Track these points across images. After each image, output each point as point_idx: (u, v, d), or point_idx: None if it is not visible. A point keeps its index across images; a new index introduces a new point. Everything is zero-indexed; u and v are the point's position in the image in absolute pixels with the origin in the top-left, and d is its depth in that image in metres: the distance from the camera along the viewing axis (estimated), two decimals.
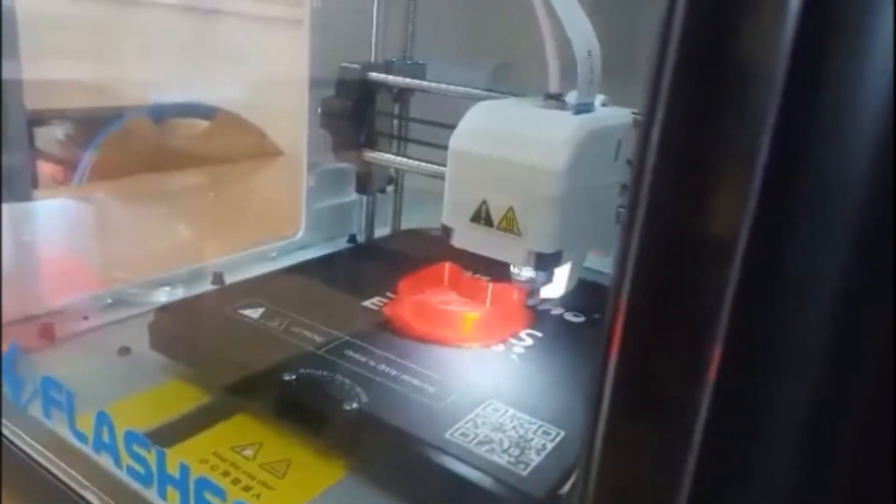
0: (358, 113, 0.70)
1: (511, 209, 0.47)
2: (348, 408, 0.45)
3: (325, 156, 0.75)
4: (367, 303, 0.60)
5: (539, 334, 0.56)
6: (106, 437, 0.45)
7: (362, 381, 0.48)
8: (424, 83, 0.69)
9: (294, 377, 0.48)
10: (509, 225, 0.47)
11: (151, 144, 1.01)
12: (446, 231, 0.50)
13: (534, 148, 0.46)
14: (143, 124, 1.02)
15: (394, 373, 0.49)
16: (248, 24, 1.07)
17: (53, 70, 0.80)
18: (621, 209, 0.53)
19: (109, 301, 0.65)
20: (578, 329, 0.59)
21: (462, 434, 0.43)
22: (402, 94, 0.73)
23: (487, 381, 0.49)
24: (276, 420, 0.49)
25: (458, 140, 0.49)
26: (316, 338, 0.53)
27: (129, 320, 0.62)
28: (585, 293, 0.60)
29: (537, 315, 0.59)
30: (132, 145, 0.97)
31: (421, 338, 0.54)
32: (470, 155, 0.48)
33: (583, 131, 0.46)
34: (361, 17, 0.75)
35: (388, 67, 0.72)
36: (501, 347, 0.54)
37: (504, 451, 0.42)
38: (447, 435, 0.43)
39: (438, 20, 0.79)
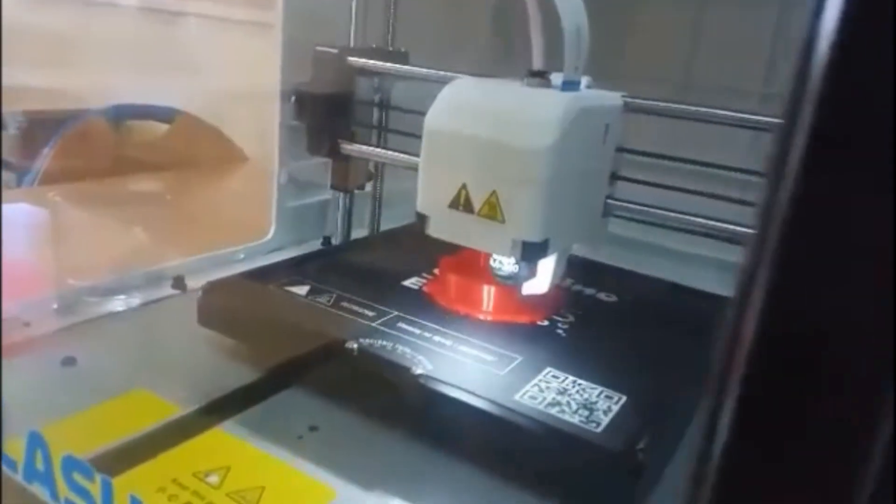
0: (335, 101, 0.67)
1: (494, 193, 0.44)
2: (417, 372, 0.45)
3: (298, 150, 0.72)
4: (406, 282, 0.60)
5: (579, 312, 0.58)
6: (40, 464, 0.38)
7: (422, 350, 0.48)
8: (406, 68, 0.66)
9: (355, 346, 0.47)
10: (492, 211, 0.45)
11: (108, 147, 0.95)
12: (421, 219, 0.47)
13: (520, 126, 0.44)
14: (99, 127, 0.96)
15: (449, 343, 0.50)
16: (218, 27, 1.04)
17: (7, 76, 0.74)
18: (609, 200, 0.54)
19: (55, 307, 0.60)
20: (613, 308, 0.61)
21: (531, 397, 0.44)
22: (384, 83, 0.70)
23: (542, 352, 0.50)
24: (336, 389, 0.47)
25: (435, 118, 0.46)
26: (366, 312, 0.53)
27: (76, 328, 0.57)
28: (613, 275, 0.65)
29: (572, 295, 0.61)
30: (87, 148, 0.91)
31: (467, 314, 0.55)
32: (448, 134, 0.45)
33: (573, 109, 0.44)
34: (335, 21, 0.74)
35: (367, 53, 0.68)
36: (546, 324, 0.55)
37: (574, 412, 0.43)
38: (517, 397, 0.44)
39: (420, 10, 0.78)
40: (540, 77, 0.47)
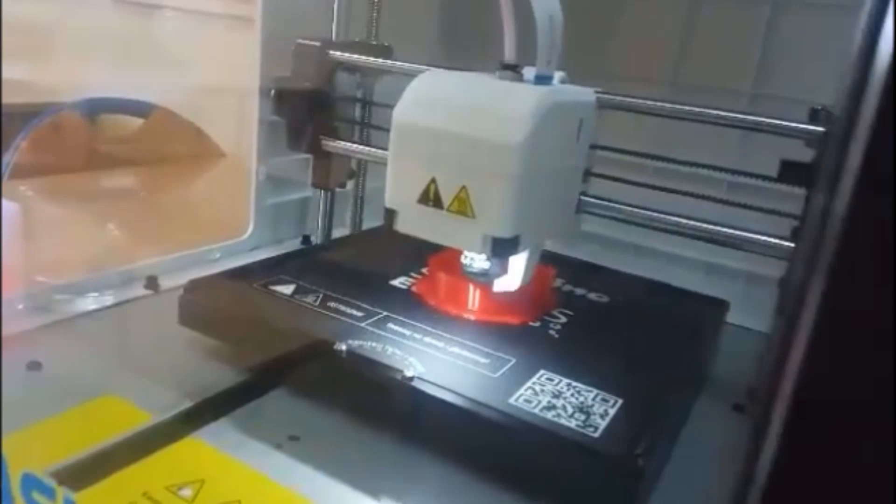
0: (316, 96, 0.65)
1: (464, 188, 0.43)
2: (409, 375, 0.43)
3: (277, 146, 0.70)
4: (395, 282, 0.59)
5: (570, 313, 0.56)
6: None
7: (413, 352, 0.47)
8: (390, 62, 0.64)
9: (344, 347, 0.45)
10: (462, 206, 0.43)
11: (81, 142, 0.92)
12: (389, 215, 0.46)
13: (491, 120, 0.43)
14: (72, 120, 0.92)
15: (441, 345, 0.48)
16: (195, 21, 1.01)
17: None
18: (583, 197, 0.53)
19: (20, 307, 0.57)
20: (605, 308, 0.60)
21: (525, 401, 0.43)
22: (367, 78, 0.69)
23: (535, 354, 0.49)
24: (324, 391, 0.46)
25: (403, 111, 0.45)
26: (354, 312, 0.51)
27: (43, 330, 0.55)
28: (603, 275, 0.65)
29: (563, 296, 0.60)
30: (60, 142, 0.88)
31: (457, 315, 0.53)
32: (416, 128, 0.44)
33: (546, 103, 0.43)
34: (317, 15, 0.72)
35: (350, 47, 0.66)
36: (538, 324, 0.54)
37: (570, 416, 0.42)
38: (511, 401, 0.43)
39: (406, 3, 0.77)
40: (512, 70, 0.46)
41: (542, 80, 0.46)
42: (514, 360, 0.47)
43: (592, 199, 0.53)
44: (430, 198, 0.44)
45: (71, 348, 0.53)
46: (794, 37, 0.69)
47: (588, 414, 0.42)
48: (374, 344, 0.46)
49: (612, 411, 0.43)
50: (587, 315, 0.57)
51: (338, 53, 0.65)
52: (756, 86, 0.71)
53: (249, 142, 0.74)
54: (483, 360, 0.47)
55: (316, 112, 0.66)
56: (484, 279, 0.47)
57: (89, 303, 0.60)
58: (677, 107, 0.51)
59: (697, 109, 0.51)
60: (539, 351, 0.49)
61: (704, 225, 0.51)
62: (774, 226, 0.49)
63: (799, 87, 0.66)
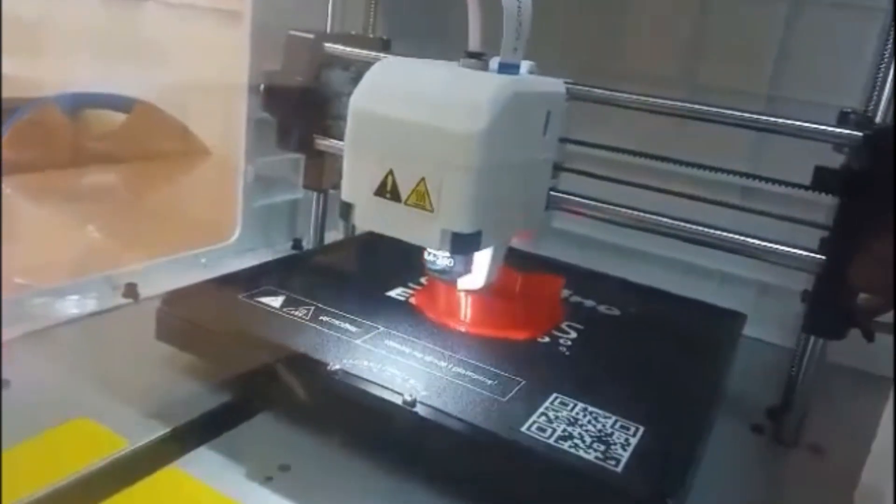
0: (309, 91, 0.62)
1: (423, 181, 0.40)
2: (410, 399, 0.40)
3: (266, 145, 0.67)
4: (392, 293, 0.55)
5: (580, 327, 0.53)
6: None
7: (413, 373, 0.43)
8: (383, 56, 0.59)
9: (338, 367, 0.42)
10: (420, 199, 0.41)
11: (62, 137, 0.88)
12: (346, 208, 0.43)
13: (449, 109, 0.40)
14: (54, 115, 0.89)
15: (444, 364, 0.45)
16: (181, 15, 0.98)
17: None
18: (553, 192, 0.50)
19: None
20: (617, 322, 0.57)
21: (539, 429, 0.39)
22: (363, 72, 0.65)
23: (546, 373, 0.45)
24: (316, 416, 0.43)
25: (360, 98, 0.42)
26: (349, 327, 0.48)
27: (12, 343, 0.50)
28: (611, 285, 0.61)
29: (571, 308, 0.57)
30: (41, 138, 0.85)
31: (460, 329, 0.50)
32: (374, 116, 0.42)
33: (507, 92, 0.40)
34: (310, 9, 0.68)
35: (345, 40, 0.62)
36: (547, 339, 0.50)
37: (589, 447, 0.38)
38: (523, 429, 0.39)
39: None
40: (476, 58, 0.43)
41: (507, 68, 0.43)
42: (523, 382, 0.43)
43: (563, 195, 0.51)
44: (388, 190, 0.41)
45: (42, 364, 0.49)
46: (813, 37, 0.65)
47: (608, 444, 0.38)
48: (370, 363, 0.43)
49: (633, 441, 0.39)
50: (598, 329, 0.54)
51: (332, 46, 0.62)
52: (773, 88, 0.68)
53: (237, 140, 0.70)
54: (490, 382, 0.43)
55: (308, 108, 0.63)
56: (447, 277, 0.44)
57: (68, 306, 0.57)
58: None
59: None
60: (550, 371, 0.46)
61: (730, 235, 0.48)
62: (786, 235, 0.47)
63: (817, 89, 0.63)
